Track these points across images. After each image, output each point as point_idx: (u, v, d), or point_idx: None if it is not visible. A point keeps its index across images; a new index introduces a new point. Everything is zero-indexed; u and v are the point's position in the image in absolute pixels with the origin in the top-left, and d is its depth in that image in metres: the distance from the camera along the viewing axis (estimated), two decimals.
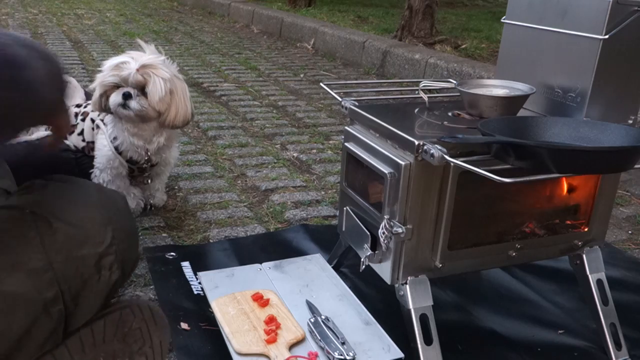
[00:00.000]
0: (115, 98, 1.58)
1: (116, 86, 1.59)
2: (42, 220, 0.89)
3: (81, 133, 1.77)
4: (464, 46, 4.38)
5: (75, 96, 2.04)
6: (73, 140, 1.78)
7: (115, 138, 1.68)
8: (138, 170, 1.74)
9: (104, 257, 0.93)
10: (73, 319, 0.92)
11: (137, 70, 1.55)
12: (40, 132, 1.82)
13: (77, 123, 1.79)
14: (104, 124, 1.71)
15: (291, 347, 1.17)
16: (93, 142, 1.74)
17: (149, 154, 1.68)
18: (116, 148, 1.67)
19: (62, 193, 0.96)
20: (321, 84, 1.43)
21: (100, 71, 1.63)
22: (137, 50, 1.63)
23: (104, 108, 1.64)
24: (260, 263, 1.49)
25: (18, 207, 0.90)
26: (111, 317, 0.96)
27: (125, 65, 1.57)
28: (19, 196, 0.96)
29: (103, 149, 1.69)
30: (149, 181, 1.78)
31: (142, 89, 1.57)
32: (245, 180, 2.16)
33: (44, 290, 0.86)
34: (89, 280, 0.91)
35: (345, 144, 1.27)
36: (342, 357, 1.14)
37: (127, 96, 1.57)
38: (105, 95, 1.61)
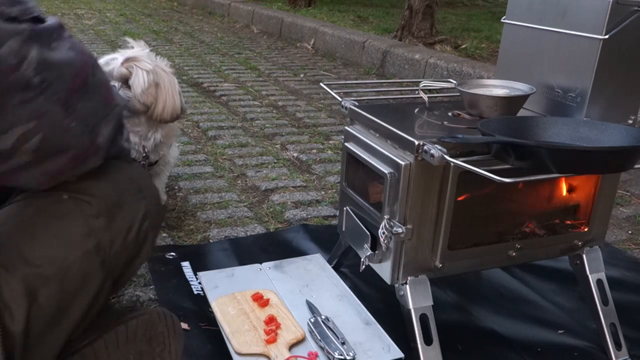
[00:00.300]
0: None
1: None
2: (83, 203, 0.92)
3: None
4: (464, 46, 4.38)
5: None
6: None
7: None
8: None
9: (142, 226, 0.99)
10: (119, 285, 1.00)
11: (122, 64, 1.57)
12: None
13: None
14: None
15: (291, 347, 1.17)
16: None
17: (146, 150, 1.68)
18: None
19: (93, 173, 0.97)
20: (321, 84, 1.43)
21: None
22: (113, 48, 1.65)
23: None
24: (260, 263, 1.49)
25: (55, 193, 0.92)
26: (142, 318, 1.00)
27: (112, 61, 1.59)
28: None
29: None
30: None
31: (125, 82, 1.59)
32: (245, 180, 2.17)
33: (97, 270, 0.92)
34: (132, 250, 0.98)
35: (345, 144, 1.27)
36: (342, 357, 1.14)
37: None
38: None
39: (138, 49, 1.63)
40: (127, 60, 1.58)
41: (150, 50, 1.66)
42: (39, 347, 0.87)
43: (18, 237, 0.88)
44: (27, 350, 0.85)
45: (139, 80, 1.57)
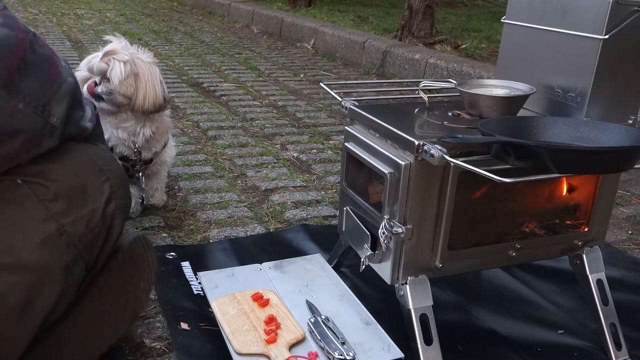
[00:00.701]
0: (85, 89, 1.62)
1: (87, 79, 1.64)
2: (39, 187, 0.89)
3: None
4: (464, 46, 4.38)
5: None
6: None
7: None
8: (132, 167, 1.74)
9: (107, 208, 0.98)
10: (93, 269, 1.01)
11: (101, 59, 1.60)
12: None
13: None
14: None
15: (291, 347, 1.17)
16: None
17: (137, 146, 1.69)
18: (107, 144, 1.68)
19: (49, 156, 0.95)
20: (321, 84, 1.43)
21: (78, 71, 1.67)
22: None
23: None
24: (260, 263, 1.49)
25: (8, 178, 0.89)
26: (126, 247, 1.09)
27: (94, 58, 1.62)
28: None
29: None
30: (140, 175, 1.78)
31: (106, 76, 1.61)
32: (245, 180, 2.16)
33: (63, 254, 0.89)
34: (100, 233, 0.97)
35: (345, 144, 1.27)
36: (342, 357, 1.14)
37: (95, 85, 1.61)
38: None
39: (115, 42, 1.65)
40: (106, 54, 1.61)
41: (149, 48, 1.67)
42: (7, 333, 0.85)
43: None
44: None
45: (116, 72, 1.60)
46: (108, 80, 1.60)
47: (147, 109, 1.64)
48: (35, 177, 0.90)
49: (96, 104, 1.60)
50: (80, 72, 1.64)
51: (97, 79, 1.61)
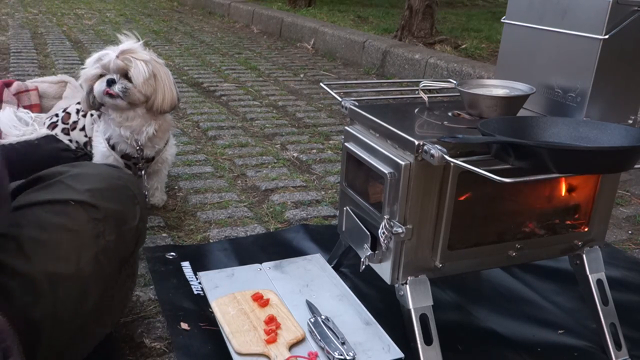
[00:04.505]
0: (99, 86, 1.60)
1: (100, 77, 1.61)
2: (91, 208, 1.03)
3: (83, 129, 1.78)
4: (464, 46, 4.38)
5: (76, 96, 2.05)
6: (75, 136, 1.79)
7: (104, 132, 1.69)
8: (134, 165, 1.74)
9: (138, 227, 1.12)
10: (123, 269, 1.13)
11: (117, 56, 1.58)
12: (42, 131, 1.82)
13: (79, 119, 1.79)
14: (100, 120, 1.72)
15: (291, 347, 1.17)
16: None
17: (139, 144, 1.69)
18: (109, 143, 1.68)
19: (95, 179, 1.10)
20: (321, 84, 1.43)
21: (84, 69, 1.66)
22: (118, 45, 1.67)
23: (92, 105, 1.66)
24: (260, 263, 1.49)
25: (66, 200, 1.02)
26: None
27: (105, 56, 1.60)
28: (51, 187, 1.07)
29: (99, 146, 1.70)
30: (143, 173, 1.78)
31: (124, 74, 1.60)
32: (245, 180, 2.16)
33: (106, 267, 1.03)
34: (129, 247, 1.11)
35: (345, 144, 1.27)
36: (342, 357, 1.14)
37: (110, 82, 1.59)
38: (92, 90, 1.63)
39: (131, 41, 1.64)
40: (123, 52, 1.59)
41: (143, 42, 1.67)
42: (62, 336, 0.98)
43: (32, 241, 0.97)
44: (52, 338, 0.96)
45: (140, 71, 1.59)
46: (127, 78, 1.59)
47: (164, 109, 1.66)
48: (85, 196, 1.03)
49: (110, 101, 1.60)
50: (90, 70, 1.62)
51: (116, 77, 1.59)
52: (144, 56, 1.61)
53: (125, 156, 1.70)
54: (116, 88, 1.59)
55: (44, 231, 0.98)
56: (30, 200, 1.03)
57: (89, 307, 1.01)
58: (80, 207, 1.02)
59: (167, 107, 1.65)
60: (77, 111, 1.81)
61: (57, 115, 1.85)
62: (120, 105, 1.61)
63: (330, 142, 2.64)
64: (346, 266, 1.55)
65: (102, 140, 1.69)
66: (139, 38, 1.66)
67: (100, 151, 1.69)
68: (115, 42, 1.68)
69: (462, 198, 1.11)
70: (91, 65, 1.62)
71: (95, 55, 1.64)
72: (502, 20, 1.33)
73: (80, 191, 1.04)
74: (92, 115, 1.76)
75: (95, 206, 1.03)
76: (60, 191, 1.04)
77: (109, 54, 1.60)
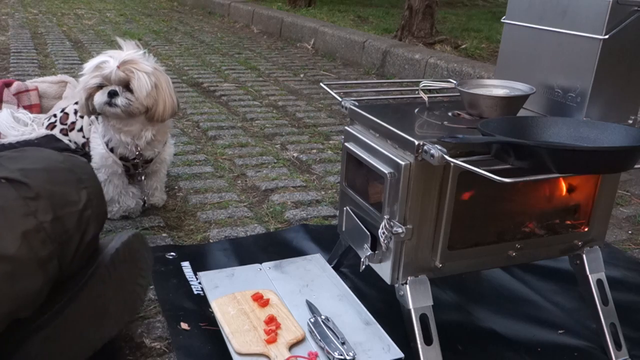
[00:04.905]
0: (100, 97, 1.57)
1: (100, 87, 1.58)
2: (21, 186, 0.96)
3: (81, 130, 1.78)
4: (464, 46, 4.38)
5: (75, 96, 2.04)
6: (74, 137, 1.78)
7: (104, 135, 1.68)
8: (133, 167, 1.74)
9: (83, 213, 1.04)
10: (67, 270, 1.05)
11: (118, 67, 1.55)
12: (41, 131, 1.82)
13: (77, 120, 1.79)
14: (98, 122, 1.71)
15: (291, 347, 1.17)
16: None
17: (138, 149, 1.68)
18: (107, 146, 1.68)
19: (31, 161, 1.04)
20: (321, 84, 1.43)
21: (81, 75, 1.63)
22: (114, 48, 1.64)
23: (91, 111, 1.63)
24: (260, 263, 1.49)
25: None
26: (125, 242, 1.14)
27: (105, 64, 1.56)
28: None
29: (97, 148, 1.69)
30: (143, 177, 1.78)
31: (126, 86, 1.57)
32: (245, 180, 2.16)
33: (39, 250, 0.95)
34: (74, 235, 1.02)
35: (345, 144, 1.27)
36: (342, 357, 1.14)
37: (112, 94, 1.56)
38: (91, 98, 1.60)
39: (132, 51, 1.61)
40: (124, 63, 1.56)
41: (147, 50, 1.65)
42: None
43: None
44: None
45: (142, 83, 1.56)
46: (128, 89, 1.57)
47: (164, 118, 1.64)
48: (17, 174, 0.97)
49: (110, 110, 1.57)
50: (89, 79, 1.59)
51: (118, 89, 1.56)
52: (146, 67, 1.58)
53: (123, 158, 1.70)
54: (118, 101, 1.56)
55: None
56: None
57: (27, 292, 0.94)
58: (9, 185, 0.96)
59: (167, 115, 1.64)
60: (75, 112, 1.80)
61: (55, 115, 1.85)
62: (120, 115, 1.60)
63: (330, 142, 2.64)
64: (346, 266, 1.55)
65: (100, 142, 1.69)
66: (140, 47, 1.64)
67: (99, 153, 1.69)
68: (114, 43, 1.66)
69: (462, 198, 1.11)
70: (90, 73, 1.59)
71: (93, 62, 1.60)
72: (502, 20, 1.33)
73: (12, 170, 0.99)
74: (89, 117, 1.75)
75: (26, 184, 0.97)
76: None
77: (109, 63, 1.56)
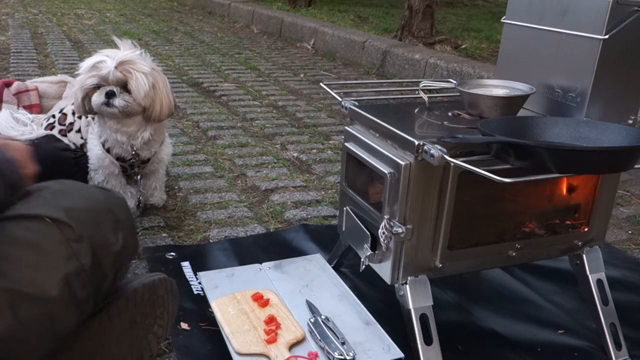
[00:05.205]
0: (97, 98, 1.57)
1: (97, 87, 1.58)
2: (65, 227, 0.97)
3: (79, 130, 1.77)
4: (464, 46, 4.38)
5: (71, 95, 2.04)
6: (72, 138, 1.78)
7: (100, 136, 1.68)
8: (130, 167, 1.74)
9: (119, 255, 1.04)
10: (97, 306, 1.05)
11: (116, 67, 1.54)
12: (40, 131, 1.82)
13: (75, 121, 1.78)
14: (94, 122, 1.71)
15: (291, 347, 1.17)
16: None
17: (134, 149, 1.68)
18: (104, 146, 1.67)
19: (75, 198, 1.04)
20: (321, 84, 1.43)
21: (78, 74, 1.61)
22: (112, 48, 1.63)
23: (87, 111, 1.63)
24: (260, 263, 1.49)
25: (40, 216, 0.97)
26: (147, 283, 1.11)
27: (102, 64, 1.55)
28: (29, 202, 1.00)
29: (94, 149, 1.69)
30: (139, 177, 1.78)
31: (123, 86, 1.57)
32: (245, 180, 2.16)
33: (78, 292, 0.96)
34: (109, 275, 1.03)
35: (345, 144, 1.27)
36: (342, 357, 1.14)
37: (110, 95, 1.56)
38: (88, 97, 1.59)
39: (129, 51, 1.60)
40: (121, 63, 1.55)
41: (144, 50, 1.65)
42: (21, 355, 0.91)
43: (2, 251, 0.91)
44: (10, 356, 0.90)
45: (140, 84, 1.55)
46: (126, 89, 1.56)
47: (162, 118, 1.64)
48: (62, 214, 0.97)
49: (107, 110, 1.57)
50: (85, 78, 1.58)
51: (116, 90, 1.56)
52: (144, 68, 1.57)
53: (120, 158, 1.70)
54: (116, 102, 1.55)
55: (12, 247, 0.93)
56: (7, 214, 0.98)
57: (60, 333, 0.95)
58: (55, 226, 0.96)
59: (164, 116, 1.63)
60: (74, 112, 1.80)
61: (54, 116, 1.85)
62: (117, 115, 1.59)
63: (330, 142, 2.64)
64: (346, 266, 1.55)
65: (96, 142, 1.68)
66: (137, 46, 1.63)
67: (95, 154, 1.68)
68: (113, 43, 1.65)
69: (462, 198, 1.11)
70: (86, 73, 1.58)
71: (89, 61, 1.58)
72: (502, 20, 1.33)
73: (57, 208, 0.99)
74: (86, 117, 1.74)
75: (70, 227, 0.97)
76: (37, 206, 0.99)
77: (106, 63, 1.55)
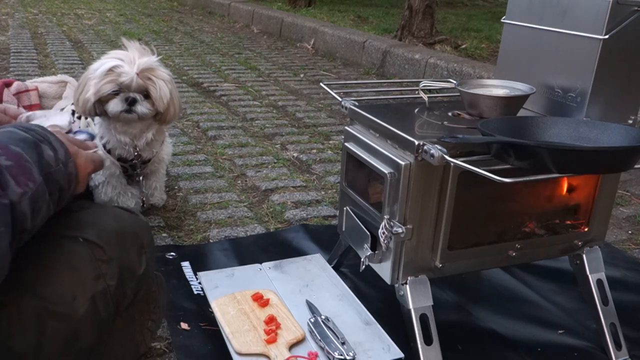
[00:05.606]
0: (117, 105, 1.54)
1: (116, 93, 1.55)
2: (97, 248, 0.99)
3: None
4: (464, 46, 4.38)
5: (71, 96, 2.03)
6: None
7: (102, 137, 1.67)
8: (131, 168, 1.74)
9: (142, 279, 1.08)
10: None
11: (137, 74, 1.53)
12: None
13: (74, 121, 1.78)
14: (94, 123, 1.70)
15: (291, 347, 1.17)
16: None
17: (137, 150, 1.68)
18: (105, 147, 1.67)
19: (105, 220, 1.06)
20: (321, 84, 1.43)
21: (90, 78, 1.55)
22: (114, 49, 1.61)
23: (95, 114, 1.61)
24: (260, 263, 1.49)
25: (74, 237, 0.99)
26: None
27: (119, 69, 1.52)
28: (65, 220, 1.02)
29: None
30: (141, 178, 1.77)
31: (144, 93, 1.56)
32: (245, 180, 2.16)
33: (102, 311, 0.98)
34: (128, 297, 1.06)
35: (345, 144, 1.27)
36: (342, 357, 1.14)
37: (132, 102, 1.54)
38: (100, 101, 1.57)
39: (146, 58, 1.57)
40: (142, 71, 1.54)
41: (157, 54, 1.64)
42: None
43: (33, 271, 0.93)
44: None
45: (164, 93, 1.56)
46: (147, 97, 1.56)
47: (171, 121, 1.66)
48: (94, 236, 1.00)
49: (127, 116, 1.56)
50: (102, 83, 1.53)
51: (139, 97, 1.54)
52: (164, 75, 1.57)
53: (121, 159, 1.70)
54: (138, 109, 1.55)
55: (46, 264, 0.95)
56: (44, 232, 0.98)
57: (79, 351, 0.97)
58: (87, 246, 0.99)
59: (177, 118, 1.66)
60: (73, 112, 1.79)
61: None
62: (134, 120, 1.59)
63: (330, 142, 2.64)
64: (346, 266, 1.55)
65: (98, 144, 1.68)
66: (146, 49, 1.61)
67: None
68: (114, 43, 1.63)
69: (462, 198, 1.11)
70: (101, 77, 1.53)
71: (104, 65, 1.54)
72: (502, 20, 1.33)
73: (89, 228, 1.01)
74: (86, 118, 1.74)
75: (101, 247, 1.00)
76: (71, 226, 1.01)
77: (124, 68, 1.52)
